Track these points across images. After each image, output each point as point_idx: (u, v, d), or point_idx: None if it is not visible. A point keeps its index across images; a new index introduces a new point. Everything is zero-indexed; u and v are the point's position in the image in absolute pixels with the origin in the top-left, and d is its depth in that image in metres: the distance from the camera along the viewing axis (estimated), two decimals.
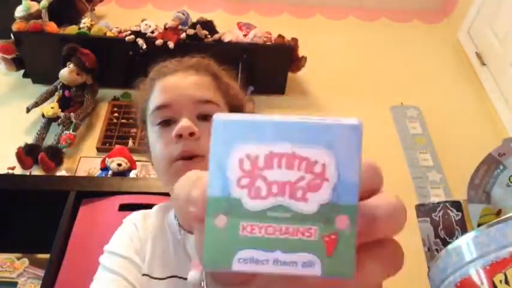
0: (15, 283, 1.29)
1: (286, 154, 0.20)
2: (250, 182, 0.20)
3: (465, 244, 0.80)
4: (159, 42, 2.07)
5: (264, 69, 2.21)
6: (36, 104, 2.03)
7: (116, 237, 0.76)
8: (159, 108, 0.69)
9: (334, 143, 0.20)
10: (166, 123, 0.68)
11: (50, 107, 2.01)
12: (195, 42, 2.12)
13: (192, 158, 0.65)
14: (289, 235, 0.20)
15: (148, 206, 0.80)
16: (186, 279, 0.68)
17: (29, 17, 2.13)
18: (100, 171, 1.78)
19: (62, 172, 1.84)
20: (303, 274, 0.20)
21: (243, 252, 0.20)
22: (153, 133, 0.70)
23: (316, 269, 0.20)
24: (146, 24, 2.13)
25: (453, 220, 0.96)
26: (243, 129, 0.21)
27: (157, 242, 0.72)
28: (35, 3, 2.16)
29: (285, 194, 0.20)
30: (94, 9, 2.46)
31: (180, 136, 0.64)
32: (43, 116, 2.00)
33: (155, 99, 0.71)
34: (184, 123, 0.64)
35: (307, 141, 0.20)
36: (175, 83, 0.71)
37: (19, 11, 2.15)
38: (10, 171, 1.75)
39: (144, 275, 0.68)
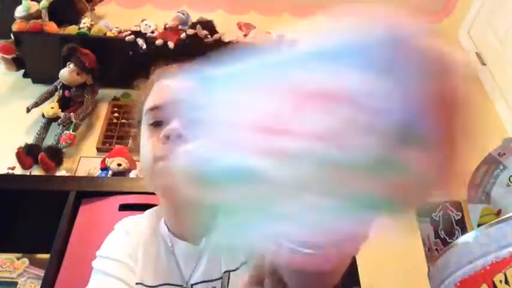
0: (15, 283, 1.29)
1: None
2: None
3: (465, 244, 0.80)
4: (159, 42, 2.07)
5: None
6: (36, 104, 2.03)
7: (109, 243, 0.76)
8: (153, 109, 0.69)
9: None
10: (158, 124, 0.68)
11: (50, 107, 2.01)
12: (195, 42, 2.12)
13: None
14: None
15: (148, 206, 0.80)
16: (177, 286, 0.68)
17: (29, 17, 2.13)
18: (100, 171, 1.78)
19: (62, 172, 1.84)
20: None
21: None
22: (144, 133, 0.70)
23: None
24: (146, 24, 2.13)
25: (453, 220, 0.96)
26: None
27: (149, 249, 0.72)
28: (35, 3, 2.16)
29: None
30: (94, 9, 2.46)
31: (167, 137, 0.64)
32: (43, 116, 2.00)
33: (150, 99, 0.71)
34: (174, 125, 0.64)
35: None
36: (172, 86, 0.71)
37: (19, 11, 2.15)
38: (10, 171, 1.75)
39: (137, 283, 0.68)
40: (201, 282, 0.68)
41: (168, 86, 0.71)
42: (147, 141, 0.68)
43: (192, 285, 0.68)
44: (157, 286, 0.68)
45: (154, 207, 0.80)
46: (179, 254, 0.71)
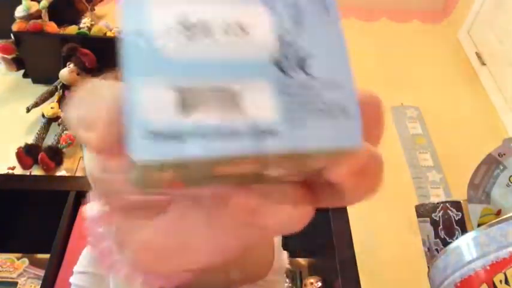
0: (15, 283, 1.29)
1: None
2: None
3: (465, 244, 0.80)
4: None
5: None
6: (36, 104, 2.03)
7: (84, 257, 0.77)
8: None
9: None
10: None
11: (50, 107, 2.01)
12: None
13: None
14: None
15: None
16: None
17: (29, 17, 2.13)
18: None
19: (62, 172, 1.84)
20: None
21: None
22: None
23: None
24: None
25: (453, 220, 0.96)
26: None
27: None
28: (35, 3, 2.16)
29: None
30: (94, 9, 2.46)
31: None
32: (43, 116, 2.00)
33: None
34: None
35: None
36: None
37: (19, 11, 2.15)
38: (10, 171, 1.75)
39: None
40: None
41: None
42: None
43: None
44: None
45: None
46: None
